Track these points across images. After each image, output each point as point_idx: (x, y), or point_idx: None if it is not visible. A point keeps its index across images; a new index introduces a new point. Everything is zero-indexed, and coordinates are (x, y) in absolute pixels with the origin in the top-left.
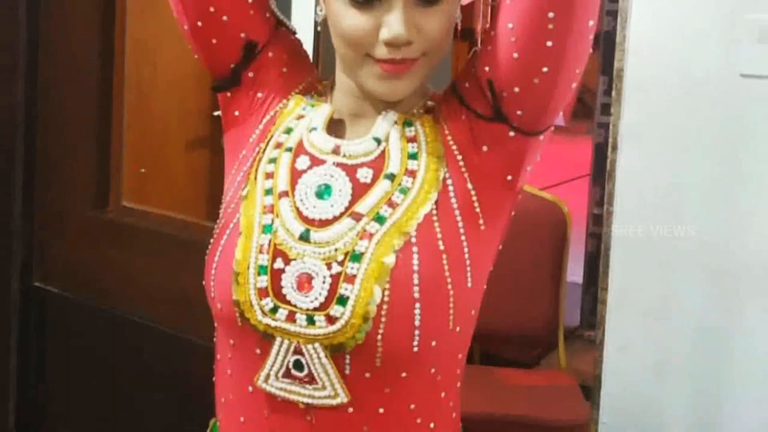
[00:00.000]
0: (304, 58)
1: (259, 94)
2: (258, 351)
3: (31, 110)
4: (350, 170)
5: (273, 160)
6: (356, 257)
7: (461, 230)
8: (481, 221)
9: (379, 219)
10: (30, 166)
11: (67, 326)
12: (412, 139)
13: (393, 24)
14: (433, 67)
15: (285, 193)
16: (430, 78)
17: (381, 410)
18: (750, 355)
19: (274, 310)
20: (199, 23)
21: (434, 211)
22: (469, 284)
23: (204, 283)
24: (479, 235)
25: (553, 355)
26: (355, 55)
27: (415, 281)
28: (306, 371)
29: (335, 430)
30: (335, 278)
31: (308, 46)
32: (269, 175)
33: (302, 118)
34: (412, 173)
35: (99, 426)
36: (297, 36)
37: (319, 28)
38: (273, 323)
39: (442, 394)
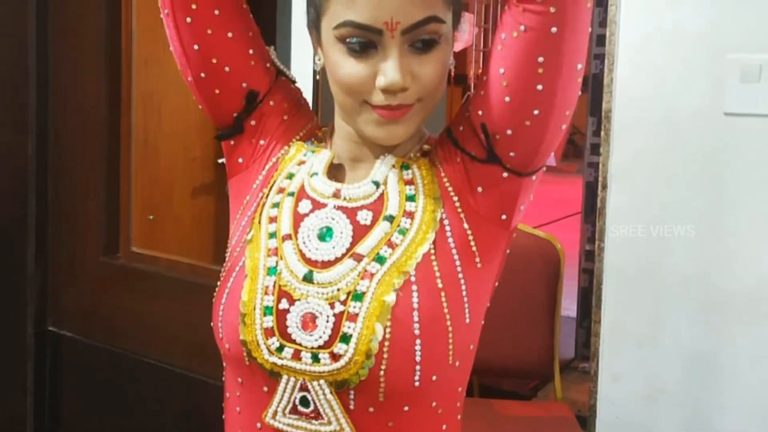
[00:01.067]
0: (304, 106)
1: (262, 142)
2: (265, 388)
3: (42, 161)
4: (350, 213)
5: (276, 205)
6: (358, 296)
7: (458, 269)
8: (477, 259)
9: (380, 259)
10: (42, 215)
11: (80, 368)
12: (410, 182)
13: (389, 71)
14: (428, 112)
15: (288, 236)
16: (425, 122)
17: None
18: (738, 381)
19: (280, 349)
20: (202, 74)
21: (432, 251)
22: (468, 320)
23: (212, 324)
24: (476, 272)
25: (549, 386)
26: (353, 102)
27: (416, 318)
28: (312, 407)
29: None
30: (338, 317)
31: (308, 94)
32: (273, 219)
33: (303, 164)
34: (410, 215)
35: None
36: (297, 85)
37: (318, 77)
38: (279, 362)
39: (444, 427)
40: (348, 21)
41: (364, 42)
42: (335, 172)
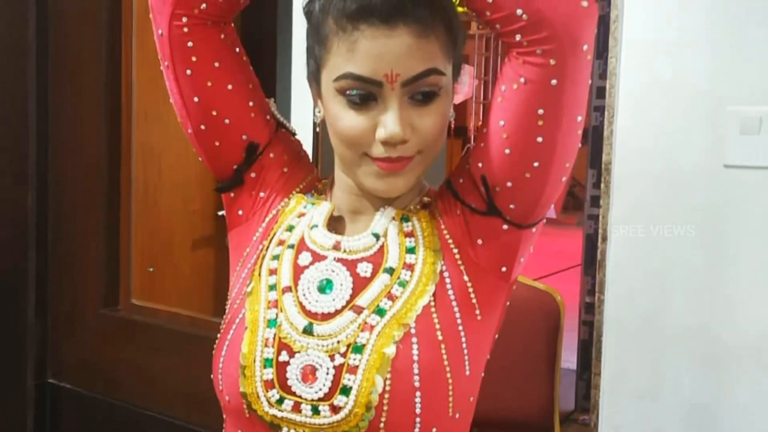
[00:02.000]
0: (304, 158)
1: (262, 194)
2: None
3: (42, 213)
4: (350, 265)
5: (276, 257)
6: (358, 349)
7: (458, 321)
8: (477, 311)
9: (380, 311)
10: (42, 267)
11: (80, 421)
12: (410, 234)
13: (389, 123)
14: (428, 164)
15: (288, 289)
16: (425, 174)
17: None
18: None
19: (280, 401)
20: (202, 126)
21: (432, 303)
22: (468, 372)
23: (212, 376)
24: (476, 324)
25: None
26: (353, 154)
27: (416, 371)
28: None
29: None
30: (338, 369)
31: (308, 147)
32: (273, 272)
33: (303, 216)
34: (410, 267)
35: None
36: (297, 137)
37: (318, 129)
38: (279, 414)
39: None
40: (348, 73)
41: (364, 94)
42: (335, 224)
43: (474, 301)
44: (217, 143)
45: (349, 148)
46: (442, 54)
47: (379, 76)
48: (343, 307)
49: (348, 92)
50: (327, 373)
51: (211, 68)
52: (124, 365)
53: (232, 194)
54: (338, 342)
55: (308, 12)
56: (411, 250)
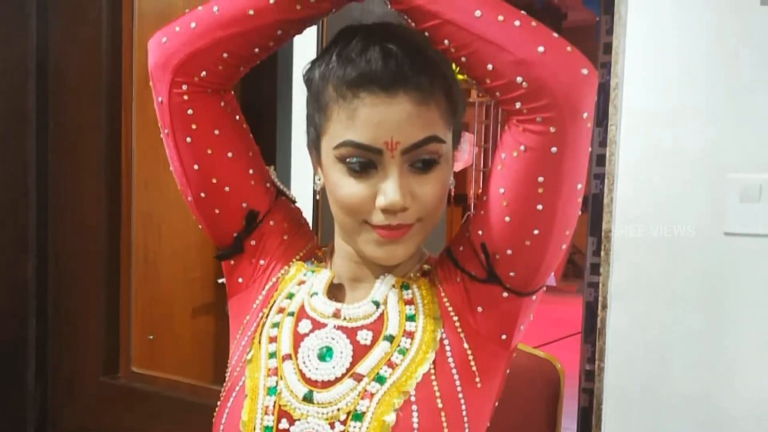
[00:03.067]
0: (304, 226)
1: (262, 262)
2: None
3: (42, 281)
4: (351, 333)
5: (276, 325)
6: (358, 416)
7: (458, 388)
8: (477, 379)
9: (380, 379)
10: (42, 335)
11: None
12: (410, 302)
13: (389, 191)
14: (428, 231)
15: (288, 356)
16: (425, 242)
17: None
18: None
19: None
20: (203, 194)
21: (432, 371)
22: None
23: None
24: (476, 392)
25: None
26: (353, 222)
27: None
28: None
29: None
30: None
31: (308, 214)
32: (273, 339)
33: (303, 284)
34: (410, 334)
35: None
36: (297, 205)
37: (318, 197)
38: None
39: None
40: (348, 141)
41: (364, 162)
42: (335, 291)
43: (474, 368)
44: (217, 211)
45: (349, 216)
46: (442, 121)
47: (379, 143)
48: (343, 375)
49: (348, 160)
50: None
51: (211, 136)
52: None
53: (232, 262)
54: (338, 410)
55: (308, 80)
56: (411, 318)
